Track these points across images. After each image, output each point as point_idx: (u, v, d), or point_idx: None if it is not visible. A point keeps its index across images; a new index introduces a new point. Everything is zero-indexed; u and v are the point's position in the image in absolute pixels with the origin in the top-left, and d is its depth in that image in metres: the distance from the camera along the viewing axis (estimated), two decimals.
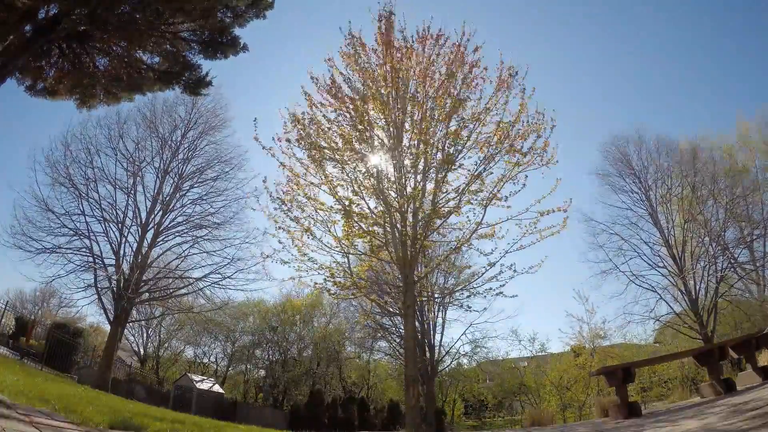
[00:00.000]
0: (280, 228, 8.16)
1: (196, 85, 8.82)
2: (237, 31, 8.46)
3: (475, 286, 8.71)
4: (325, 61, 8.85)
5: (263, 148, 7.96)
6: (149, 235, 18.02)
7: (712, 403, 5.30)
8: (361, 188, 8.19)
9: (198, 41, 8.37)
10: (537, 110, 8.01)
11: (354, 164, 8.20)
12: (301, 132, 8.16)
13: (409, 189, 8.28)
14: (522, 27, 70.80)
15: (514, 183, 7.94)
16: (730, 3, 54.79)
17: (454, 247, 9.13)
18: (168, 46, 8.29)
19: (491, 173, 8.10)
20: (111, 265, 16.80)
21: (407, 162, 8.30)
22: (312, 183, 8.20)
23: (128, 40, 7.92)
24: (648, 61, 70.77)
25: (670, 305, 18.09)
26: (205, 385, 22.24)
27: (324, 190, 8.20)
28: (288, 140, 8.21)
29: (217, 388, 23.62)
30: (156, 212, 18.40)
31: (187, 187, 19.27)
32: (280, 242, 8.18)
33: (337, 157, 8.11)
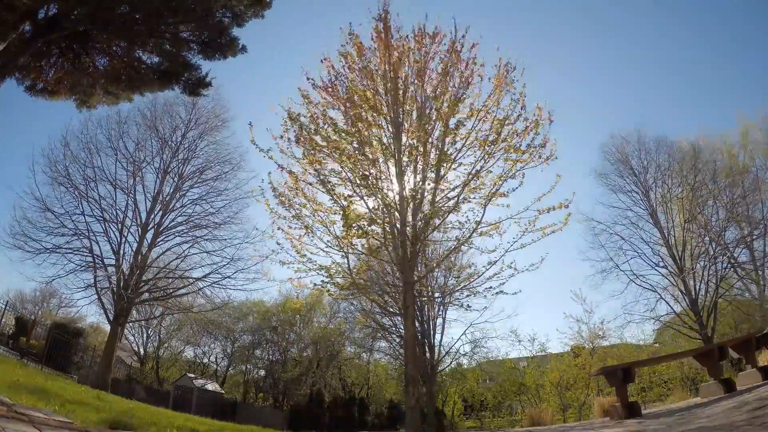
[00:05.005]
0: (279, 228, 8.13)
1: (196, 85, 8.84)
2: (236, 31, 8.49)
3: (475, 285, 8.67)
4: (322, 61, 8.79)
5: (260, 150, 7.90)
6: (149, 235, 18.05)
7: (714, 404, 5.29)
8: (360, 188, 8.16)
9: (197, 42, 8.39)
10: (537, 105, 7.89)
11: (352, 164, 8.17)
12: (299, 131, 8.13)
13: (407, 188, 8.25)
14: (520, 25, 70.84)
15: (515, 179, 7.91)
16: (734, 0, 54.73)
17: (454, 246, 9.09)
18: (168, 46, 8.30)
19: (490, 172, 8.08)
20: (111, 265, 16.82)
21: (405, 161, 8.28)
22: (310, 183, 8.17)
23: (128, 40, 7.94)
24: (649, 59, 70.78)
25: (670, 305, 18.09)
26: (204, 385, 22.25)
27: (321, 191, 8.17)
28: (288, 139, 8.18)
29: (216, 387, 23.63)
30: (156, 212, 18.43)
31: (187, 188, 19.34)
32: (278, 243, 8.15)
33: (335, 156, 8.09)
